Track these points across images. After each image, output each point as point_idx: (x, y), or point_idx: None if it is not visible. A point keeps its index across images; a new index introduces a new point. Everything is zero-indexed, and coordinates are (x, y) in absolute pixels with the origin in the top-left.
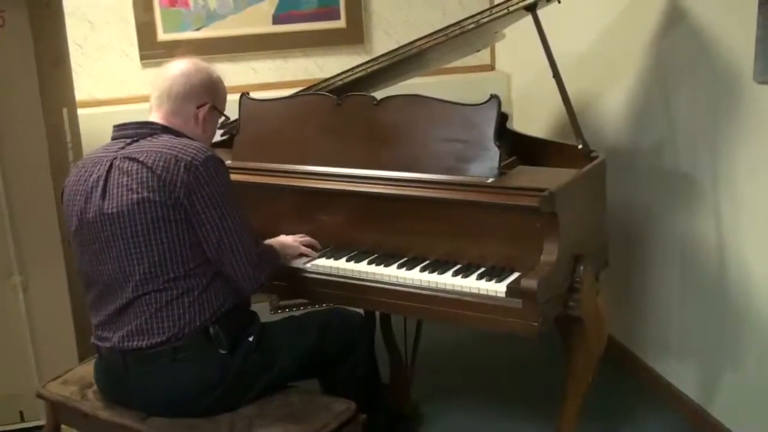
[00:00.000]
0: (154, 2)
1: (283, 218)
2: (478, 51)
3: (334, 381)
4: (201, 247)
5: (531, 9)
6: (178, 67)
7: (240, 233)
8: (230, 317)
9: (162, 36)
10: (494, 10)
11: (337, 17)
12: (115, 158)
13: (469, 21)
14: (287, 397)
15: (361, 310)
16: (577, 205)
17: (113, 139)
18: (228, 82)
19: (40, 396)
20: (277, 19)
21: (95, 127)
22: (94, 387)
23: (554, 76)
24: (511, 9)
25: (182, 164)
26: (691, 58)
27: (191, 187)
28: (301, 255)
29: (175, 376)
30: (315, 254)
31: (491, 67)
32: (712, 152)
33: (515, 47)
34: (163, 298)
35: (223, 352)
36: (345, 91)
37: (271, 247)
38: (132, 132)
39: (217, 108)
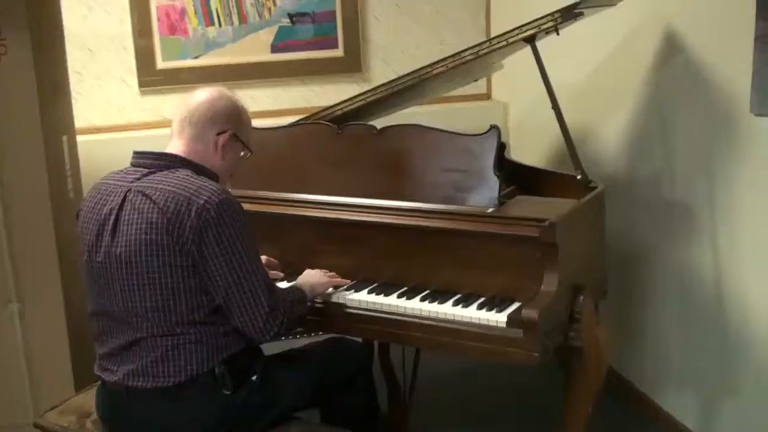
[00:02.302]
0: (153, 30)
1: (281, 246)
2: (476, 80)
3: (334, 410)
4: (211, 294)
5: (530, 41)
6: (203, 93)
7: (250, 283)
8: (237, 358)
9: (161, 64)
10: (493, 42)
11: (335, 46)
12: (129, 190)
13: (469, 52)
14: (288, 428)
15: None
16: (577, 236)
17: (132, 165)
18: None
19: (37, 426)
20: (275, 48)
21: (94, 154)
22: (93, 416)
23: (553, 107)
24: (510, 41)
25: (194, 208)
26: (688, 90)
27: (200, 233)
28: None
29: (178, 415)
30: (346, 282)
31: (487, 96)
32: (709, 183)
33: (512, 77)
34: (170, 343)
35: (227, 392)
36: (343, 120)
37: (295, 291)
38: (149, 162)
39: (239, 138)
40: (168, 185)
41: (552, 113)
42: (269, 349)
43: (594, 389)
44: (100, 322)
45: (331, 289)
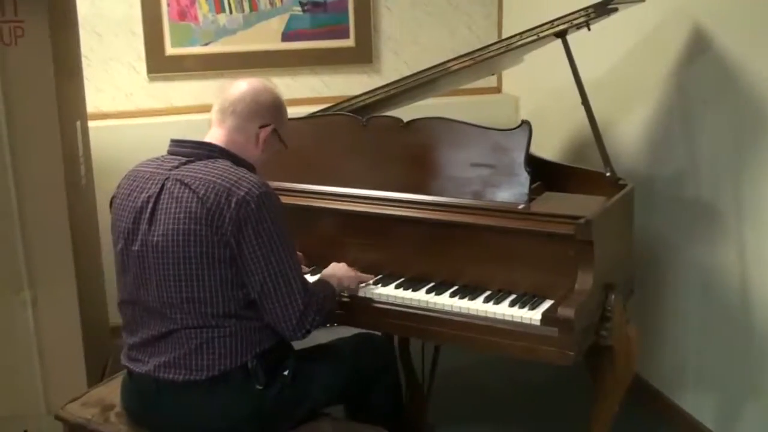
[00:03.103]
0: (163, 16)
1: (305, 239)
2: (493, 74)
3: (361, 406)
4: (247, 288)
5: (561, 36)
6: (247, 84)
7: (286, 280)
8: (269, 352)
9: (170, 50)
10: (524, 36)
11: (347, 36)
12: (167, 178)
13: (497, 45)
14: (319, 425)
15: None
16: (610, 234)
17: (169, 153)
18: None
19: (58, 418)
20: (286, 37)
21: (102, 141)
22: (116, 409)
23: (583, 103)
24: (541, 35)
25: (234, 199)
26: (715, 89)
27: (239, 225)
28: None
29: (209, 409)
30: (371, 277)
31: (498, 90)
32: (736, 182)
33: (523, 70)
34: (204, 335)
35: (259, 387)
36: (358, 112)
37: (324, 287)
38: (188, 151)
39: (279, 133)
40: (208, 175)
41: (570, 108)
42: (297, 343)
43: (622, 388)
44: (130, 311)
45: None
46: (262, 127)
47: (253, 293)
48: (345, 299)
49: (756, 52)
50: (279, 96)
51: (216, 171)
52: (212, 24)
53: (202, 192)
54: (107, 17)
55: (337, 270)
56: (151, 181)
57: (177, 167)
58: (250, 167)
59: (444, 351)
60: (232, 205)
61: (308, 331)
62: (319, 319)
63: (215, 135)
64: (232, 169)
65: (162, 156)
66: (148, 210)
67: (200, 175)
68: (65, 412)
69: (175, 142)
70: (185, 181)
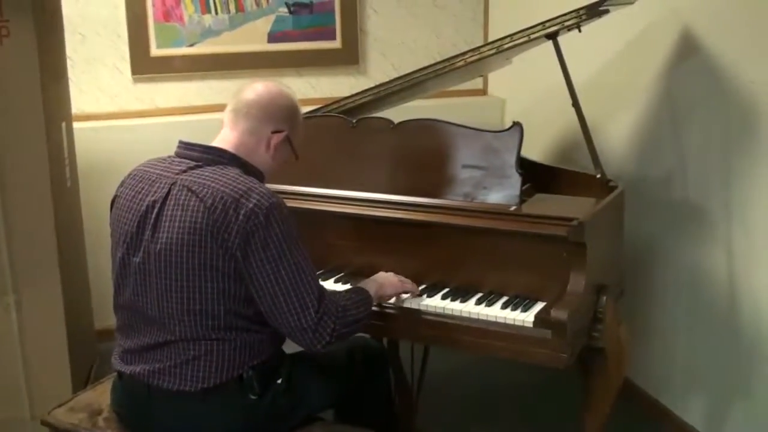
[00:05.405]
0: (147, 16)
1: None
2: (481, 76)
3: (353, 410)
4: (251, 302)
5: (552, 37)
6: (264, 87)
7: (297, 291)
8: (265, 362)
9: (155, 51)
10: (515, 37)
11: (333, 37)
12: (174, 183)
13: (489, 47)
14: (312, 429)
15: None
16: (601, 235)
17: (177, 155)
18: (221, 100)
19: (45, 423)
20: (272, 38)
21: (85, 142)
22: (104, 414)
23: (573, 105)
24: (533, 37)
25: (242, 211)
26: (704, 91)
27: (247, 237)
28: (402, 292)
29: (202, 418)
30: (416, 288)
31: (484, 92)
32: (725, 184)
33: (510, 73)
34: (203, 348)
35: (253, 397)
36: (347, 114)
37: (354, 294)
38: (197, 155)
39: (291, 141)
40: (216, 183)
41: (557, 110)
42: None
43: (615, 389)
44: (127, 316)
45: (348, 287)
46: (274, 132)
47: (263, 307)
48: None
49: (745, 54)
50: (295, 102)
51: (225, 179)
52: (198, 25)
53: (210, 201)
54: (91, 18)
55: (379, 276)
56: (157, 184)
57: (185, 171)
58: (260, 175)
59: (433, 353)
60: (240, 216)
61: (328, 343)
62: (339, 328)
63: (226, 137)
64: (242, 178)
65: (169, 157)
66: (153, 215)
67: (208, 183)
68: (52, 418)
69: (184, 145)
70: (193, 188)
